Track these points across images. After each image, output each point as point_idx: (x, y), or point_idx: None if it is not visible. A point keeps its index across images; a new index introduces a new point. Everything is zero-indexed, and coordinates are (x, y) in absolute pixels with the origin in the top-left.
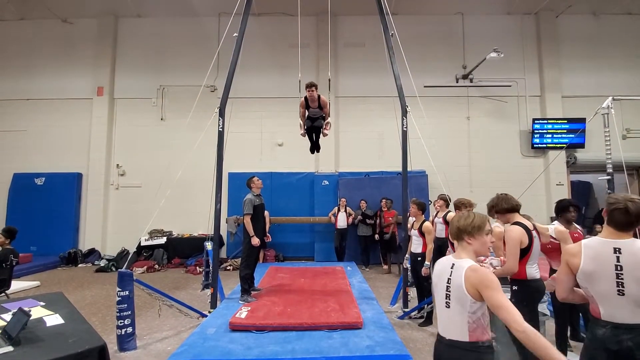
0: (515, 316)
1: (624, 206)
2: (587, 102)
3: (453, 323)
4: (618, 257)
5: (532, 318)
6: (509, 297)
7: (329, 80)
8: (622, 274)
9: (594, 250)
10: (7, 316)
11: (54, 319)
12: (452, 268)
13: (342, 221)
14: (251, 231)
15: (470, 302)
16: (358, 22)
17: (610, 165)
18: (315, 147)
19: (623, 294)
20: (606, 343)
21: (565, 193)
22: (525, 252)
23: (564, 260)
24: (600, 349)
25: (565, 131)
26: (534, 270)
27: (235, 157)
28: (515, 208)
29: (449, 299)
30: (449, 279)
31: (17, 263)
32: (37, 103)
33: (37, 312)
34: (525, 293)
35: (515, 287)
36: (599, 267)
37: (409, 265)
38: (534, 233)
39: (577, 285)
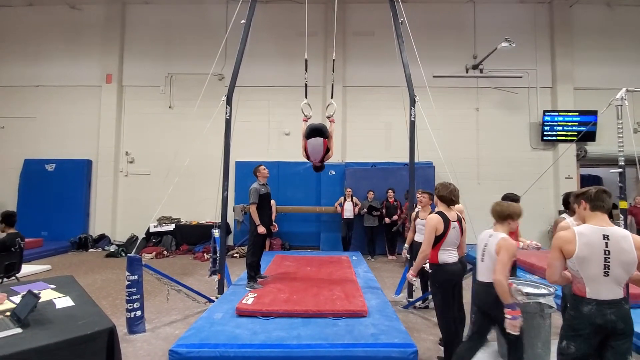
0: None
1: (600, 189)
2: (599, 94)
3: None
4: (607, 243)
5: (444, 298)
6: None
7: (333, 60)
8: (609, 258)
9: (587, 237)
10: (17, 299)
11: (64, 302)
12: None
13: (348, 211)
14: (257, 220)
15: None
16: (367, 10)
17: (623, 158)
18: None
19: (608, 275)
20: (593, 318)
21: (574, 186)
22: (439, 239)
23: (556, 247)
24: (586, 323)
25: (576, 124)
26: (447, 255)
27: (242, 146)
28: (448, 200)
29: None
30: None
31: (23, 246)
32: (46, 90)
33: (48, 294)
34: (437, 275)
35: (430, 270)
36: (591, 252)
37: (408, 256)
38: (454, 224)
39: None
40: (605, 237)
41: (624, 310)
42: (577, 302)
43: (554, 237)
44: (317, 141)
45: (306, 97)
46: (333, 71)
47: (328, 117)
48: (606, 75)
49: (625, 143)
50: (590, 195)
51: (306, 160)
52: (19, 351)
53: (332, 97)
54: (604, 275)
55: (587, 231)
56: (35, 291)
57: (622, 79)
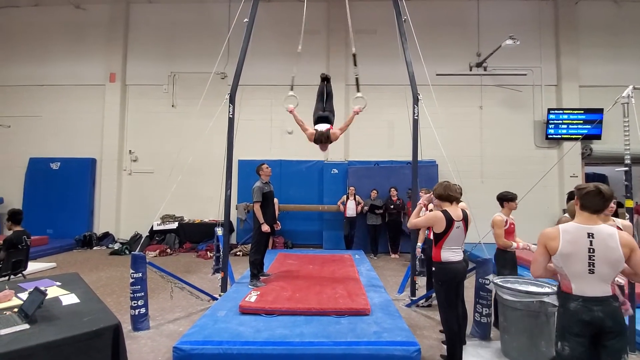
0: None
1: (597, 189)
2: (605, 92)
3: None
4: (591, 241)
5: (448, 296)
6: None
7: (354, 55)
8: (593, 256)
9: (571, 235)
10: (24, 295)
11: (69, 298)
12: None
13: (351, 210)
14: (261, 218)
15: None
16: (369, 8)
17: (629, 157)
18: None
19: (593, 272)
20: (579, 314)
21: None
22: (440, 237)
23: (541, 243)
24: (574, 320)
25: (581, 122)
26: (451, 254)
27: (245, 145)
28: (445, 197)
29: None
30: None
31: (30, 244)
32: (51, 89)
33: (54, 291)
34: (440, 273)
35: (433, 268)
36: (575, 249)
37: (422, 255)
38: (458, 223)
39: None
40: (590, 235)
41: (612, 308)
42: (565, 299)
43: (540, 234)
44: (325, 127)
45: (292, 90)
46: (355, 65)
47: (357, 112)
48: (612, 72)
49: (632, 141)
50: (581, 194)
51: (309, 159)
52: (27, 347)
53: (358, 91)
54: (589, 273)
55: (572, 229)
56: (42, 288)
57: (629, 76)
